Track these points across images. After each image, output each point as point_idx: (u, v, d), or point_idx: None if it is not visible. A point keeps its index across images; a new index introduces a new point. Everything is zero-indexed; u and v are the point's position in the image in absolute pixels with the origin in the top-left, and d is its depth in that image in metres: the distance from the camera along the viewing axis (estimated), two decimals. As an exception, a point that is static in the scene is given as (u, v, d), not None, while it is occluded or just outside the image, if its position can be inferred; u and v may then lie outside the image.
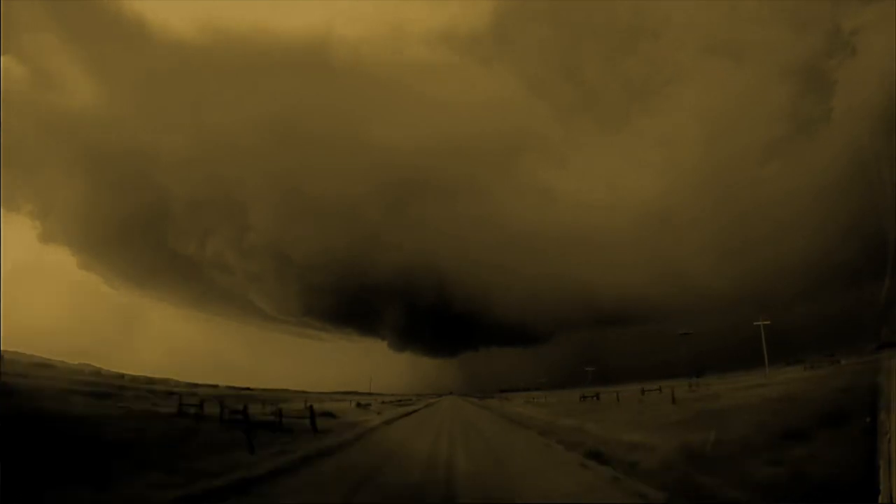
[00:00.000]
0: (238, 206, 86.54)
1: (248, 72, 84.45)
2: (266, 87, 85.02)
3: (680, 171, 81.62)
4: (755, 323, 37.98)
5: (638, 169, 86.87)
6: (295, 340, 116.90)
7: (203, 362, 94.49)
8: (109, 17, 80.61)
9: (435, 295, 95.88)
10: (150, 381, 66.19)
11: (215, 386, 73.53)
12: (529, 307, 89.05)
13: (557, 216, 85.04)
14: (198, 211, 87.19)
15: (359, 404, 44.33)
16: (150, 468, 7.90)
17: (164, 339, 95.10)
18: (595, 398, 41.45)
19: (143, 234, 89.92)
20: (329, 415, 23.96)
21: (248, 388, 76.11)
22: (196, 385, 71.41)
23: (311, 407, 20.75)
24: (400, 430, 21.61)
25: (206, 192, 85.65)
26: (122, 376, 66.71)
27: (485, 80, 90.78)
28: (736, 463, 7.12)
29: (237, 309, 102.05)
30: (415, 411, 37.87)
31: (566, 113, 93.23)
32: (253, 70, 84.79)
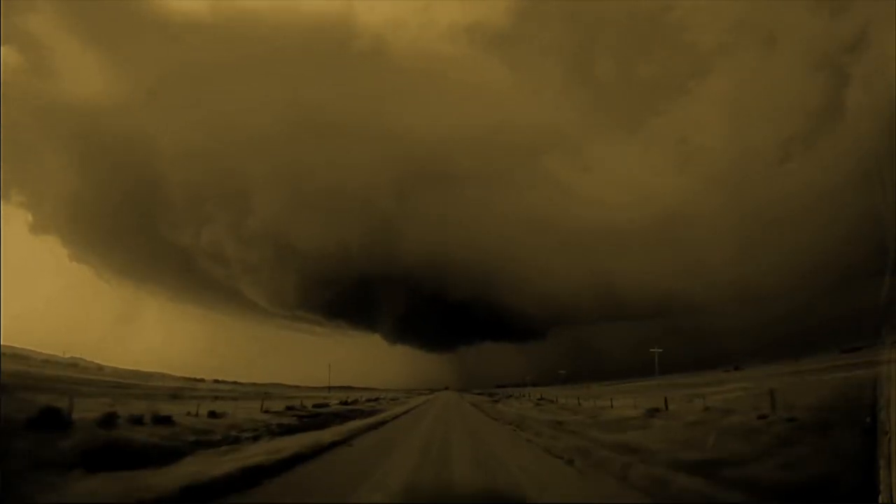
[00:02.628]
0: (241, 195, 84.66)
1: (264, 56, 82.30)
2: (283, 72, 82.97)
3: (699, 169, 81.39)
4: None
5: (657, 166, 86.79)
6: (288, 335, 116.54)
7: (194, 357, 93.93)
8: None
9: (440, 285, 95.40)
10: (136, 375, 65.62)
11: (201, 380, 73.30)
12: (542, 298, 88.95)
13: (574, 210, 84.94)
14: (198, 201, 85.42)
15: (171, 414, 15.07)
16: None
17: (156, 333, 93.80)
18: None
19: (140, 226, 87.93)
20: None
21: (236, 383, 75.90)
22: (184, 379, 71.13)
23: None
24: None
25: (209, 182, 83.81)
26: (101, 368, 65.89)
27: (505, 74, 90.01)
28: None
29: (231, 303, 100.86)
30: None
31: (586, 110, 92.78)
32: (269, 54, 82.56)
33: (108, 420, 11.28)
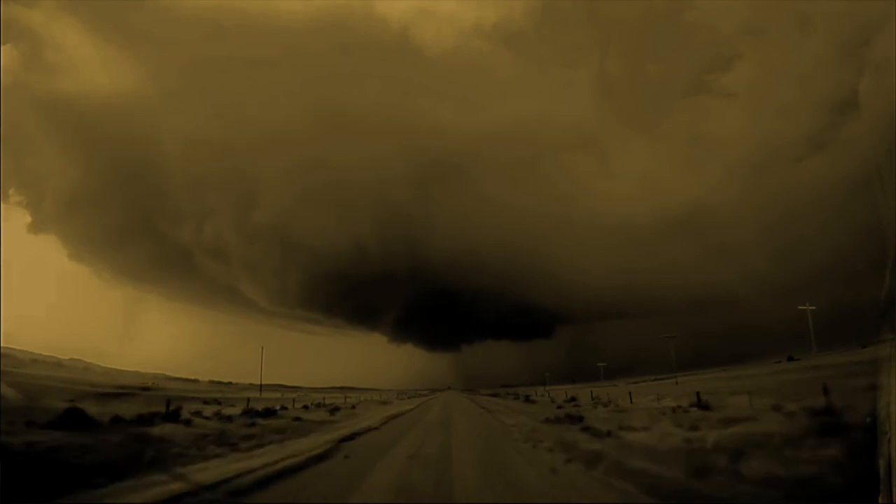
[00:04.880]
0: (248, 190, 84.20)
1: (277, 49, 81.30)
2: (298, 66, 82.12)
3: (722, 165, 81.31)
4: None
5: (678, 163, 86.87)
6: (288, 334, 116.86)
7: (194, 357, 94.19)
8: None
9: (451, 282, 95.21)
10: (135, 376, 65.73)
11: (195, 381, 73.70)
12: (558, 294, 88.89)
13: (594, 206, 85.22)
14: (203, 198, 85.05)
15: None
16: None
17: (155, 333, 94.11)
18: None
19: (141, 224, 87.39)
20: None
21: (230, 383, 76.26)
22: (174, 379, 71.47)
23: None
24: None
25: (215, 179, 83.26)
26: (88, 369, 65.86)
27: (525, 72, 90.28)
28: None
29: (232, 302, 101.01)
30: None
31: (608, 107, 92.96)
32: (285, 48, 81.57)
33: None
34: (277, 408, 26.36)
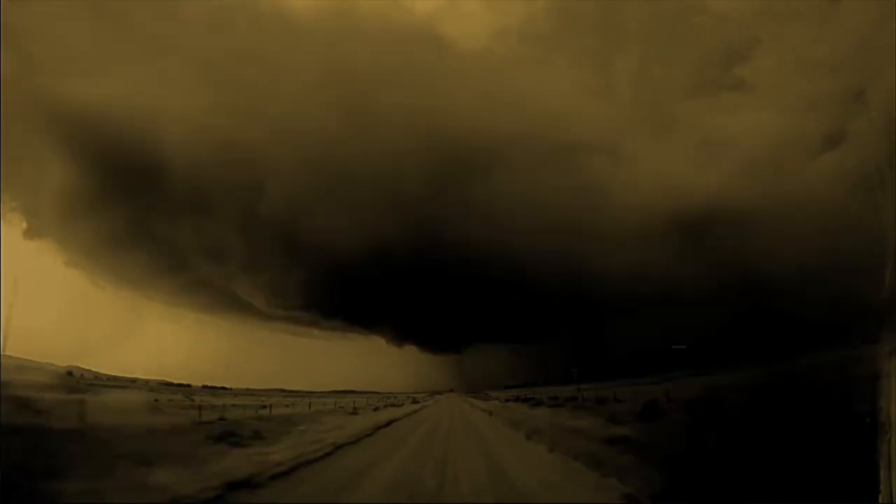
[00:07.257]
0: (254, 190, 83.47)
1: (289, 39, 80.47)
2: (313, 56, 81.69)
3: (740, 165, 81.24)
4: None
5: (696, 163, 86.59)
6: (289, 339, 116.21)
7: (192, 362, 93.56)
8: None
9: (456, 281, 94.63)
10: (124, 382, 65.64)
11: (188, 386, 73.72)
12: (571, 293, 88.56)
13: (609, 207, 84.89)
14: (205, 199, 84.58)
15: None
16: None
17: (153, 339, 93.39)
18: None
19: (139, 227, 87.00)
20: None
21: (224, 388, 76.30)
22: (169, 384, 71.45)
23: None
24: None
25: (219, 179, 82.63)
26: (70, 373, 65.72)
27: (545, 72, 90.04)
28: None
29: (233, 306, 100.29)
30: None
31: (626, 109, 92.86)
32: (300, 36, 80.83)
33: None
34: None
